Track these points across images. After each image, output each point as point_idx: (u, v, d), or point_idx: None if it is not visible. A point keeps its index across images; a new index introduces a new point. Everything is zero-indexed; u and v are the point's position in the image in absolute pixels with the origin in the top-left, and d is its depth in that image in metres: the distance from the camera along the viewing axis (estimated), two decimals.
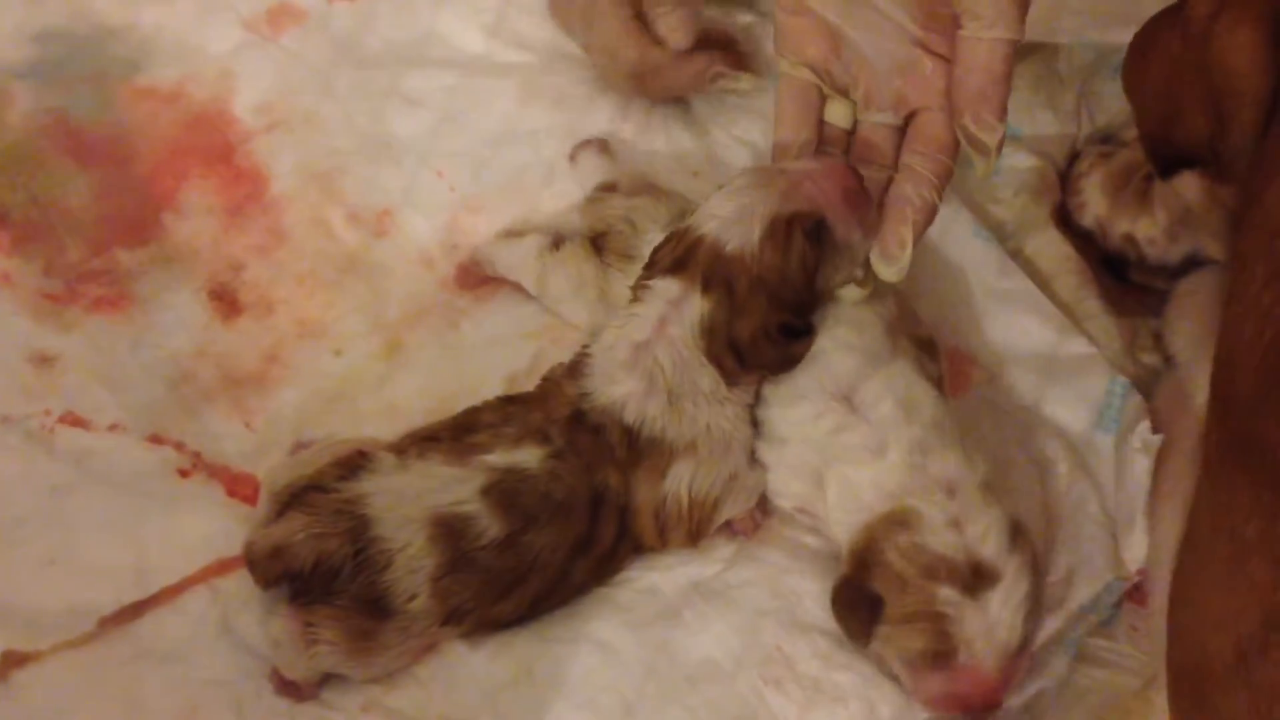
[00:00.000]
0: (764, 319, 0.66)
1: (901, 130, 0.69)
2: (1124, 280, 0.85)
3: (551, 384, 0.70)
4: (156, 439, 0.74)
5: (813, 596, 0.70)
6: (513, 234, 0.81)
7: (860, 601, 0.66)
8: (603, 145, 0.84)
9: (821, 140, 0.71)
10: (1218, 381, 0.61)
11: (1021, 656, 0.65)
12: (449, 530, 0.64)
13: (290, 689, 0.66)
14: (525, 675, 0.68)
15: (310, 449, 0.70)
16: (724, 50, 0.85)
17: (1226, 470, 0.58)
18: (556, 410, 0.68)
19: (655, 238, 0.72)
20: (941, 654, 0.64)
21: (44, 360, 0.75)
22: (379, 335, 0.79)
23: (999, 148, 0.64)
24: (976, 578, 0.64)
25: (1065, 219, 0.86)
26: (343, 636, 0.63)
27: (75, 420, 0.74)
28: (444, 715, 0.67)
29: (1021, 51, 0.63)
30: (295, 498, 0.64)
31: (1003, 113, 0.63)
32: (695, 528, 0.70)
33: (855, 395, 0.69)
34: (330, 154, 0.85)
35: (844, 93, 0.70)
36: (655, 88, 0.84)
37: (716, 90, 0.85)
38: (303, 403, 0.76)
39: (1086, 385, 0.77)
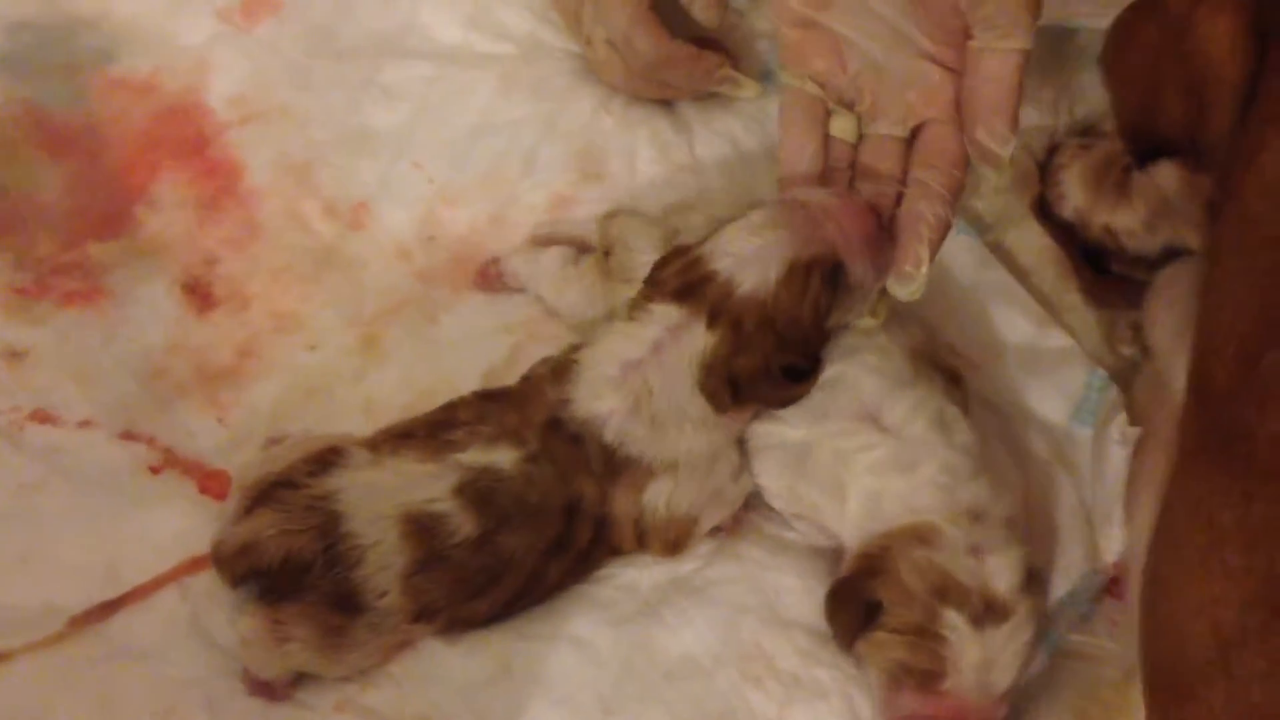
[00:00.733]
0: (767, 358, 0.65)
1: (908, 143, 0.68)
2: (1104, 272, 0.84)
3: (533, 384, 0.69)
4: (128, 435, 0.73)
5: (793, 593, 0.69)
6: (539, 241, 0.80)
7: (856, 602, 0.65)
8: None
9: (826, 154, 0.70)
10: (1195, 371, 0.61)
11: (1001, 703, 0.64)
12: (421, 528, 0.63)
13: (263, 690, 0.66)
14: (503, 673, 0.67)
15: (283, 444, 0.69)
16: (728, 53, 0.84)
17: (1203, 458, 0.58)
18: (535, 414, 0.67)
19: (648, 259, 0.70)
20: (928, 674, 0.63)
21: (14, 355, 0.74)
22: (355, 329, 0.78)
23: (1011, 159, 0.63)
24: (986, 610, 0.63)
25: (1045, 211, 0.85)
26: (312, 633, 0.62)
27: (45, 417, 0.73)
28: (420, 713, 0.66)
29: None
30: (265, 494, 0.63)
31: (1015, 124, 0.62)
32: (675, 540, 0.69)
33: (882, 416, 0.68)
34: (306, 146, 0.83)
35: (849, 106, 0.70)
36: (659, 83, 0.83)
37: (720, 93, 0.84)
38: (277, 398, 0.75)
39: (1065, 378, 0.77)
